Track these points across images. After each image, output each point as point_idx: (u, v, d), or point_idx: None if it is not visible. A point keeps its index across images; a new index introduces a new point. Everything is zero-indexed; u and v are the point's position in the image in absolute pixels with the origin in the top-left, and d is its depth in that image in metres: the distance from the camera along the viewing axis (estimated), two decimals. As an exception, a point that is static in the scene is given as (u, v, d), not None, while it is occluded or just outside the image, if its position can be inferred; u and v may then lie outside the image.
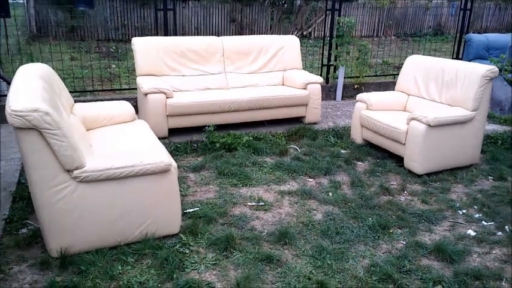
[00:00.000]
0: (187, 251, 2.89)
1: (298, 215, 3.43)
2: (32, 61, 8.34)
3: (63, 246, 2.71)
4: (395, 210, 3.55)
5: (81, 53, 10.28)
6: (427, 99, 4.82)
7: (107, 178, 2.69)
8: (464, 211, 3.59)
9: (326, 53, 6.81)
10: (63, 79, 6.73)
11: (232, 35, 14.17)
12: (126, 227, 2.85)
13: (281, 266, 2.79)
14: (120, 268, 2.68)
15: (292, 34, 15.02)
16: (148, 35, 11.10)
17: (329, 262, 2.83)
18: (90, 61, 8.73)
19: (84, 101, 5.22)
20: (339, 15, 6.54)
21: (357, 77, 6.92)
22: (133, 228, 2.87)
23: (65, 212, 2.67)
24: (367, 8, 16.16)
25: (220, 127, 5.01)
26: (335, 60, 6.71)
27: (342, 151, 4.84)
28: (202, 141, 4.78)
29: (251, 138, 4.88)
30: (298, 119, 5.59)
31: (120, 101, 4.27)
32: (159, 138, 4.79)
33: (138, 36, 5.38)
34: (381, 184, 4.00)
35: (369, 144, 4.92)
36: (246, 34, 14.36)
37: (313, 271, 2.75)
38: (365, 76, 6.91)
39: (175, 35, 6.13)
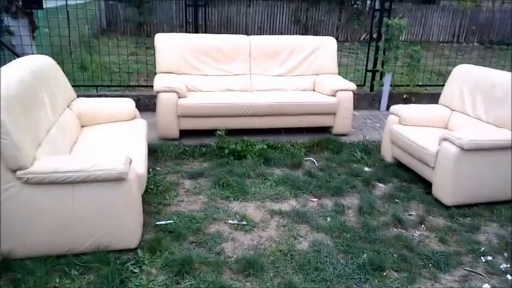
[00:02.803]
0: (137, 270, 2.59)
1: (281, 241, 2.99)
2: (90, 54, 8.62)
3: (7, 249, 2.55)
4: (400, 248, 2.97)
5: (141, 49, 10.49)
6: (471, 117, 4.09)
7: (52, 182, 2.48)
8: (488, 258, 2.90)
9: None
10: (114, 73, 6.83)
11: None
12: (75, 236, 2.62)
13: (233, 302, 2.40)
14: (57, 281, 2.46)
15: (360, 36, 14.24)
16: (211, 33, 11.05)
17: (291, 304, 2.38)
18: (146, 57, 8.76)
19: (120, 96, 5.06)
20: (389, 17, 5.88)
21: (407, 85, 6.20)
22: (83, 238, 2.64)
23: (10, 213, 2.50)
24: (446, 11, 14.82)
25: (236, 132, 4.67)
26: (382, 66, 6.05)
27: (366, 169, 4.27)
28: (212, 146, 4.48)
29: (265, 146, 4.48)
30: (326, 129, 5.07)
31: (123, 98, 4.12)
32: (170, 140, 4.61)
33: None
34: (394, 213, 3.40)
35: (398, 164, 4.29)
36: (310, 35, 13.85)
37: (268, 314, 2.32)
38: (417, 85, 6.17)
39: (205, 32, 5.89)
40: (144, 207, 3.27)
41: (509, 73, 3.92)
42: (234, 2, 13.32)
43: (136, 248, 2.77)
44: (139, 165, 2.93)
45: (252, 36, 5.25)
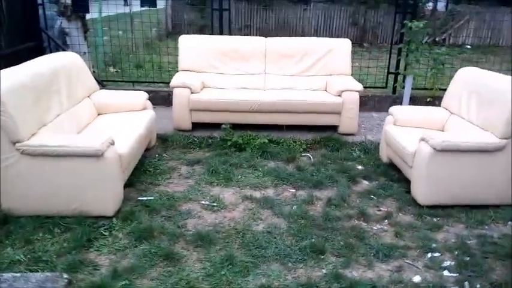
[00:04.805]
0: (106, 234, 3.06)
1: (240, 221, 3.30)
2: (149, 54, 9.43)
3: (7, 207, 3.15)
4: (350, 237, 3.13)
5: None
6: (465, 120, 4.06)
7: (43, 154, 3.03)
8: (435, 255, 2.97)
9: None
10: (167, 71, 7.47)
11: (353, 38, 13.68)
12: (61, 201, 3.15)
13: (174, 266, 2.76)
14: (41, 235, 3.00)
15: (423, 40, 13.79)
16: (268, 36, 11.42)
17: (223, 273, 2.69)
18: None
19: (155, 91, 5.80)
20: (412, 19, 5.85)
21: (431, 89, 6.11)
22: (68, 203, 3.16)
23: (11, 178, 3.09)
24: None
25: (244, 127, 5.02)
26: (404, 68, 6.04)
27: (359, 167, 4.40)
28: (217, 138, 4.87)
29: (266, 141, 4.77)
30: (334, 128, 5.23)
31: (137, 91, 4.66)
32: (183, 131, 5.08)
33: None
34: (362, 207, 3.55)
35: (391, 164, 4.36)
36: (367, 38, 13.73)
37: (199, 278, 2.66)
38: (441, 89, 6.05)
39: (230, 34, 6.29)
40: (135, 185, 3.79)
41: (506, 76, 3.85)
42: (291, 6, 13.63)
43: (113, 216, 3.24)
44: (124, 147, 3.40)
45: (268, 38, 5.57)
